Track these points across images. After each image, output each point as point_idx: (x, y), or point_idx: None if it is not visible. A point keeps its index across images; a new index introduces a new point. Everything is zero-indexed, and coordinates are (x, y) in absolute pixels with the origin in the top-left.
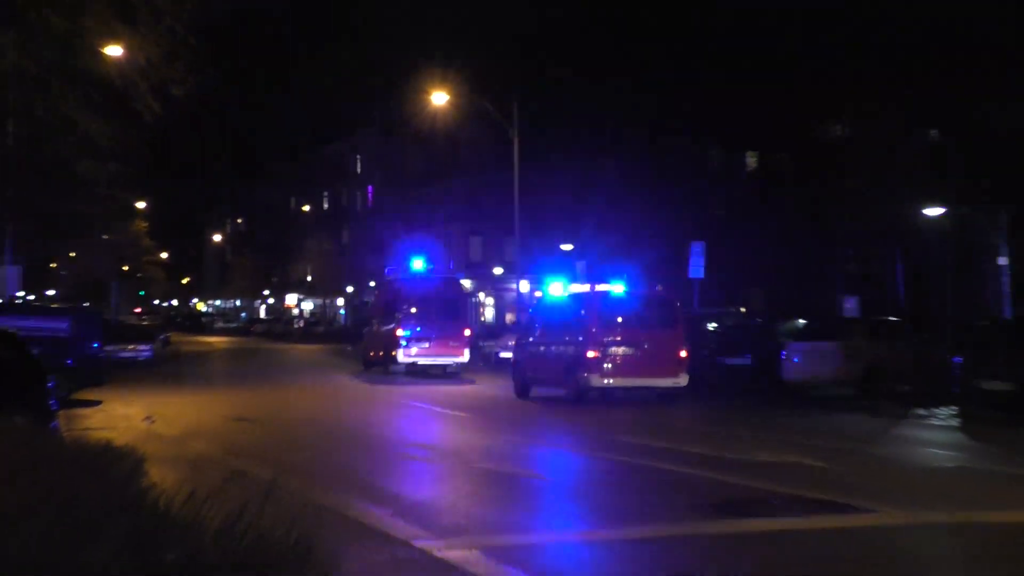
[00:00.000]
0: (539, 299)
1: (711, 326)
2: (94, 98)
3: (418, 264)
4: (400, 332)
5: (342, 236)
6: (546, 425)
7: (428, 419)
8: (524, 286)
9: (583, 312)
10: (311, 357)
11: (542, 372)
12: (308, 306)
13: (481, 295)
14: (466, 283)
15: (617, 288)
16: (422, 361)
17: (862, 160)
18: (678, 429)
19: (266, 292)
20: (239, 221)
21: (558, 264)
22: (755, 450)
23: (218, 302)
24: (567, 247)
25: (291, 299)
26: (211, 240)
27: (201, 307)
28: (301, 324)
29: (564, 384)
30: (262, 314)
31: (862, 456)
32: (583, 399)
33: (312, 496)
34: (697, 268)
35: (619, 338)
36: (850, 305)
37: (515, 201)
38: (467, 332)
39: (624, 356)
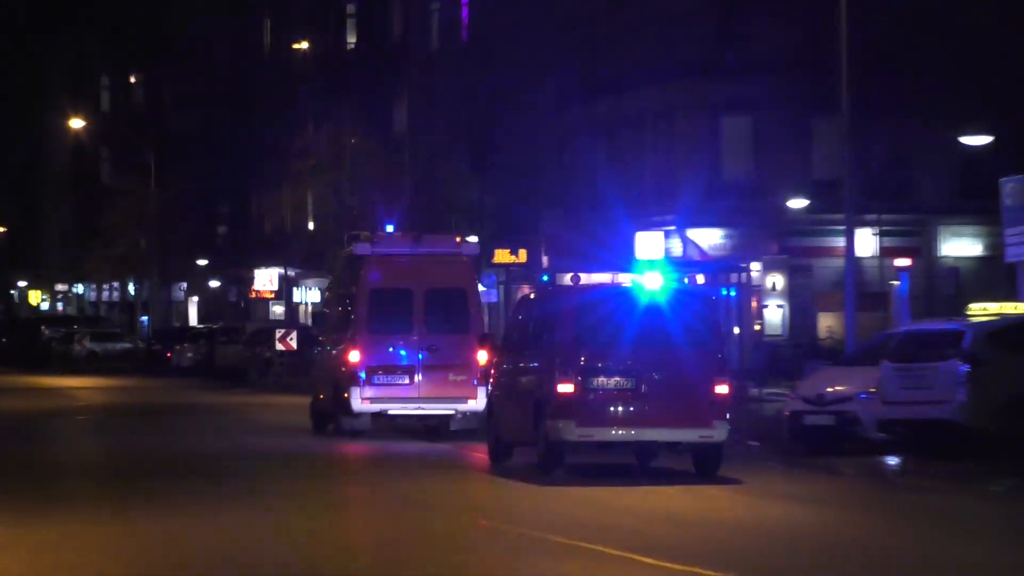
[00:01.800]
0: (528, 300)
1: None
2: None
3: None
4: (353, 356)
5: (392, 119)
6: None
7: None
8: (866, 243)
9: (556, 322)
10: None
11: (508, 421)
12: (311, 296)
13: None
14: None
15: (618, 281)
16: (397, 409)
17: None
18: None
19: (202, 262)
20: (132, 81)
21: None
22: None
23: (80, 288)
24: (975, 141)
25: (265, 278)
26: (61, 135)
27: (37, 301)
28: (292, 341)
29: (533, 438)
30: (192, 318)
31: None
32: (552, 464)
33: None
34: None
35: (611, 363)
36: None
37: (840, 23)
38: (481, 354)
39: (620, 392)
